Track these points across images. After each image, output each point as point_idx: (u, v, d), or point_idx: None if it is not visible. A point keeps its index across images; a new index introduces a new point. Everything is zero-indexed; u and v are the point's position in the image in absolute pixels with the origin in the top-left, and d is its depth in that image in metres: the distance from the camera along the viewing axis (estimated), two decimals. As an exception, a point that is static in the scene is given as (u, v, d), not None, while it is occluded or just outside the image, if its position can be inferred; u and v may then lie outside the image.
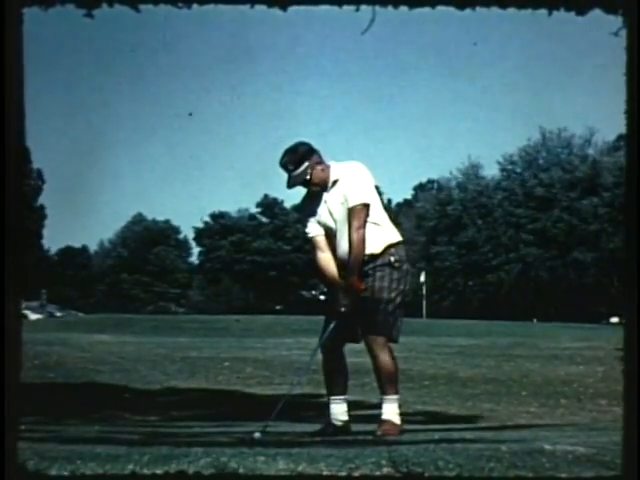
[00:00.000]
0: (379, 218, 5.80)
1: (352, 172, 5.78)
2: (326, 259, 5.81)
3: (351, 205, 5.69)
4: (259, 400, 12.90)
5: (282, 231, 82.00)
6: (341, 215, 5.74)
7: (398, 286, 5.79)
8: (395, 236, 5.87)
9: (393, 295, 5.78)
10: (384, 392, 5.78)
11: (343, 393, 5.96)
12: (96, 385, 14.24)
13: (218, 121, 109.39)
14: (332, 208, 5.77)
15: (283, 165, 5.77)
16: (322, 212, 5.81)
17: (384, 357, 5.77)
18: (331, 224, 5.79)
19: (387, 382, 5.78)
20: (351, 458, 3.09)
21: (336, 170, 5.80)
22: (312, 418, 8.84)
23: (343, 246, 5.75)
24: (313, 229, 5.84)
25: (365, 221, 5.70)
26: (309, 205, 5.89)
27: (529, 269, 65.09)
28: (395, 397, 5.77)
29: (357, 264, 5.65)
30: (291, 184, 5.80)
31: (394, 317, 5.82)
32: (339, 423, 5.87)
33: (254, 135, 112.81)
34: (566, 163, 67.86)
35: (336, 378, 5.96)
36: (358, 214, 5.67)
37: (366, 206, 5.70)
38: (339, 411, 5.90)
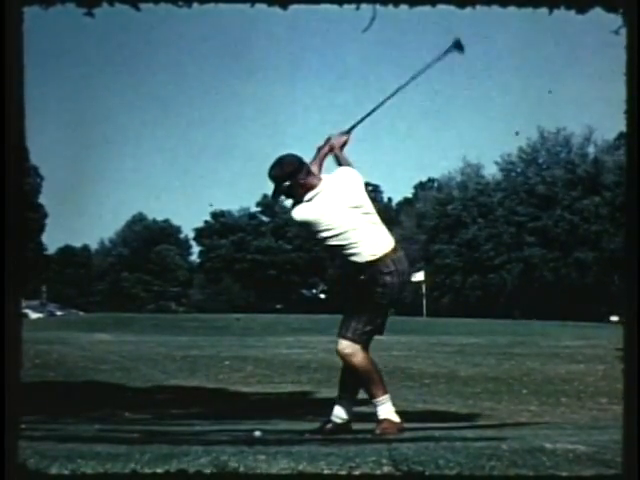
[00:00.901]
0: (359, 235, 5.82)
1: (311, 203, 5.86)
2: None
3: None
4: (259, 399, 12.91)
5: (282, 230, 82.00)
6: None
7: (381, 299, 5.80)
8: (376, 250, 5.84)
9: (369, 305, 5.79)
10: (372, 396, 5.77)
11: (350, 392, 5.94)
12: (96, 384, 14.25)
13: (218, 120, 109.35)
14: None
15: (271, 176, 5.90)
16: None
17: (356, 361, 5.76)
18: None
19: (370, 386, 5.77)
20: (351, 457, 3.09)
21: (323, 183, 5.89)
22: (311, 417, 8.84)
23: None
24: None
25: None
26: None
27: (531, 269, 65.09)
28: (384, 398, 5.75)
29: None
30: (275, 196, 5.99)
31: (365, 324, 5.80)
32: (339, 421, 5.87)
33: (254, 134, 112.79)
34: (566, 162, 67.83)
35: (347, 376, 5.93)
36: None
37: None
38: (342, 409, 5.90)
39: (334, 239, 5.80)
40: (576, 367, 17.22)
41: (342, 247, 5.81)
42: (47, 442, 3.99)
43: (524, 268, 65.27)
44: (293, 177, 5.83)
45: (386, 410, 5.73)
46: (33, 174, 67.28)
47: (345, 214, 5.81)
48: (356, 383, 5.94)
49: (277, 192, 5.94)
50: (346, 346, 5.75)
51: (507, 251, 66.30)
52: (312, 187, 5.85)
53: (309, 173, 5.90)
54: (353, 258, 5.79)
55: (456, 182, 73.15)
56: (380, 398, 5.74)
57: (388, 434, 5.41)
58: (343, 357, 5.78)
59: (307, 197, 5.84)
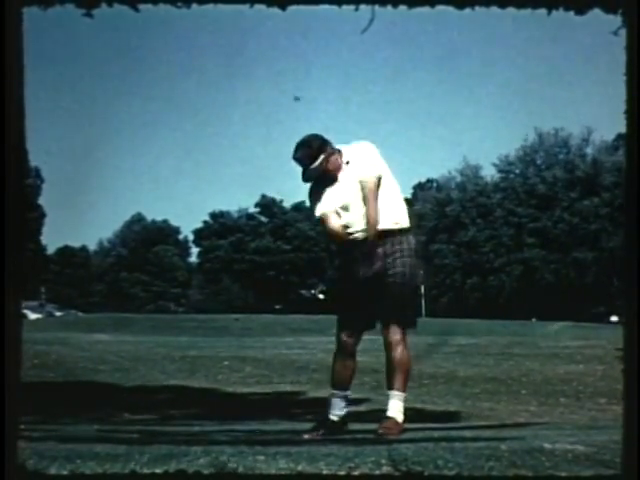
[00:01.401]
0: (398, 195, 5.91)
1: (363, 151, 5.86)
2: (339, 226, 5.85)
3: (364, 179, 5.77)
4: (258, 399, 12.91)
5: (281, 230, 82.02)
6: (356, 192, 5.80)
7: (417, 273, 5.85)
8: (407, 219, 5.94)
9: (414, 282, 5.83)
10: (394, 387, 5.70)
11: (345, 389, 5.93)
12: (95, 384, 14.25)
13: (217, 121, 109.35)
14: (347, 187, 5.83)
15: (298, 159, 5.81)
16: (336, 191, 5.86)
17: (402, 349, 5.74)
18: (347, 201, 5.84)
19: (400, 377, 5.72)
20: (351, 457, 3.09)
21: (347, 152, 5.88)
22: (310, 417, 8.83)
23: (360, 220, 5.81)
24: (320, 208, 5.88)
25: (377, 194, 5.77)
26: (316, 191, 5.93)
27: (531, 270, 65.05)
28: (404, 394, 5.75)
29: (373, 235, 5.71)
30: (307, 178, 5.86)
31: (414, 306, 5.84)
32: (336, 418, 5.84)
33: (253, 135, 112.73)
34: (565, 163, 67.85)
35: (342, 372, 5.90)
36: (370, 188, 5.76)
37: (379, 179, 5.80)
38: (338, 406, 5.87)
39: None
40: (575, 367, 17.23)
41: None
42: (46, 442, 3.99)
43: (524, 269, 65.25)
44: (324, 151, 5.79)
45: (397, 407, 5.70)
46: (33, 175, 67.28)
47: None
48: (349, 373, 5.89)
49: (309, 173, 5.82)
50: (397, 333, 5.73)
51: (507, 252, 66.28)
52: (340, 154, 5.87)
53: (332, 146, 5.90)
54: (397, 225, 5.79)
55: (455, 183, 73.18)
56: (400, 392, 5.71)
57: (389, 435, 5.38)
58: (394, 344, 5.72)
59: (345, 161, 5.83)
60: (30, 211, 61.26)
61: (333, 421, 5.83)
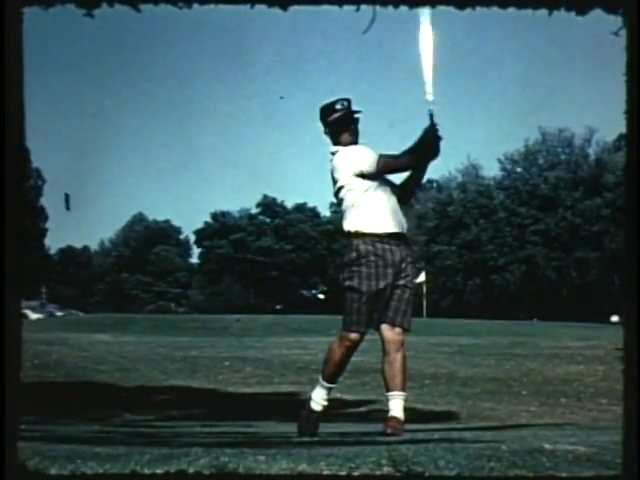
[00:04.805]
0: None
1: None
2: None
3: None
4: (259, 399, 12.92)
5: (283, 231, 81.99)
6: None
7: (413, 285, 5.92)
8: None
9: (415, 285, 5.90)
10: (397, 387, 5.71)
11: (335, 383, 5.93)
12: (96, 384, 14.25)
13: (218, 120, 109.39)
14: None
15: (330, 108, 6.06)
16: None
17: (403, 350, 5.76)
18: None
19: (402, 377, 5.72)
20: (351, 457, 3.08)
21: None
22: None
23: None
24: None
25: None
26: None
27: (534, 270, 65.02)
28: (405, 394, 5.76)
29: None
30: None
31: (410, 310, 5.86)
32: (320, 408, 5.82)
33: (254, 135, 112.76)
34: (567, 163, 67.85)
35: (342, 367, 5.88)
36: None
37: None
38: (323, 396, 5.85)
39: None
40: (576, 368, 17.23)
41: None
42: (47, 442, 3.99)
43: (526, 269, 65.24)
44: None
45: (399, 407, 5.71)
46: (35, 176, 67.26)
47: None
48: (344, 368, 5.90)
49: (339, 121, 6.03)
50: (400, 333, 5.76)
51: (509, 252, 66.26)
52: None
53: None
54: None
55: (457, 183, 73.14)
56: (402, 392, 5.74)
57: (397, 434, 5.39)
58: (399, 345, 5.75)
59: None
60: (32, 212, 61.22)
61: (316, 411, 5.80)
